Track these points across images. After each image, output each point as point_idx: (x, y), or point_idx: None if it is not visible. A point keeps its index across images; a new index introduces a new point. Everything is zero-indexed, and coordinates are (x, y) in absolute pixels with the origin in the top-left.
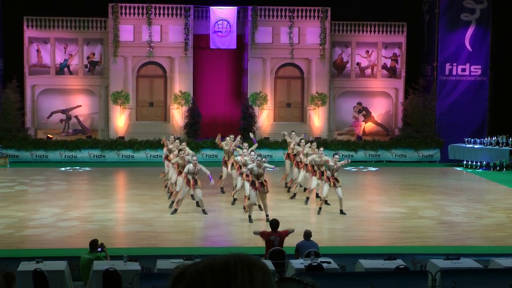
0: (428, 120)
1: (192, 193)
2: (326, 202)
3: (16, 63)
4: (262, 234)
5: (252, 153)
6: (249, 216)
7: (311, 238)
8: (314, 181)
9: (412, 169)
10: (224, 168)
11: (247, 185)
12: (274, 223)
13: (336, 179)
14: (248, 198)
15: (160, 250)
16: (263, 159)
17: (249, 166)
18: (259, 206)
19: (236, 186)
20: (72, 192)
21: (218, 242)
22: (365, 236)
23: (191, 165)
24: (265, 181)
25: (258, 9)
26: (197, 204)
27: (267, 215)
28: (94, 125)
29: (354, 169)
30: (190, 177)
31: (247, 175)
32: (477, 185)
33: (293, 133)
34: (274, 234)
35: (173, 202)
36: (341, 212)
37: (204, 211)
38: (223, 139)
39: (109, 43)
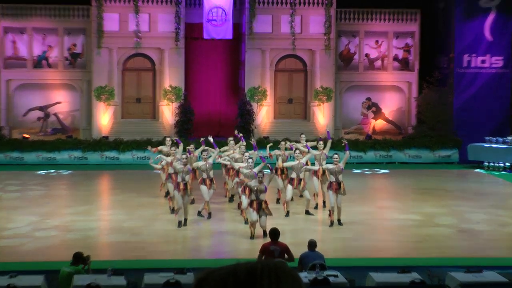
0: (444, 117)
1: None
2: (308, 213)
3: None
4: (262, 249)
5: (247, 155)
6: (252, 235)
7: (316, 249)
8: (315, 181)
9: (427, 171)
10: (227, 177)
11: (245, 201)
12: (274, 233)
13: (339, 184)
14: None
15: (148, 262)
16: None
17: (251, 183)
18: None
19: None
20: (51, 198)
21: (212, 253)
22: (376, 246)
23: (202, 161)
24: (265, 202)
25: None
26: (199, 213)
27: (264, 231)
28: (75, 124)
29: (364, 171)
30: (179, 179)
31: (244, 187)
32: (500, 188)
33: (302, 135)
34: (274, 244)
35: (173, 209)
36: (339, 222)
37: (183, 221)
38: (223, 138)
39: (92, 33)
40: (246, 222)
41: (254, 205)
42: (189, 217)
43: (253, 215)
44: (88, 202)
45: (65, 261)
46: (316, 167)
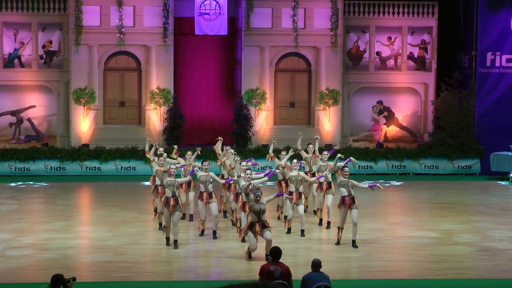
0: (465, 123)
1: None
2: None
3: None
4: (261, 271)
5: (244, 165)
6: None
7: (321, 269)
8: (329, 198)
9: (445, 184)
10: (223, 191)
11: (244, 219)
12: (276, 252)
13: (353, 199)
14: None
15: (134, 284)
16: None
17: (252, 200)
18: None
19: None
20: (24, 213)
21: (205, 274)
22: (387, 266)
23: (202, 172)
24: (266, 222)
25: None
26: (202, 233)
27: (267, 255)
28: (52, 130)
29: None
30: (169, 193)
31: (243, 203)
32: None
33: (310, 146)
34: (274, 265)
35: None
36: (353, 243)
37: (173, 243)
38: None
39: (70, 29)
40: (243, 240)
41: (256, 228)
42: (179, 235)
43: (253, 241)
44: (67, 217)
45: (41, 283)
46: (312, 179)
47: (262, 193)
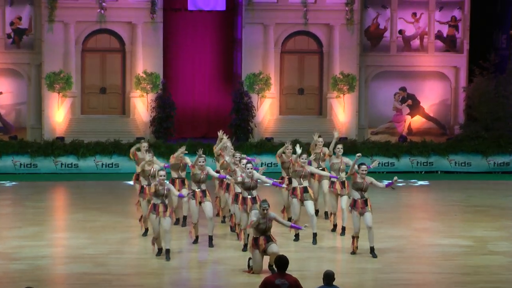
0: (502, 113)
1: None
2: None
3: None
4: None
5: (237, 155)
6: (245, 245)
7: (334, 283)
8: (344, 200)
9: (479, 183)
10: (221, 192)
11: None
12: (282, 262)
13: (366, 202)
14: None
15: None
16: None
17: (257, 215)
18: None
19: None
20: None
21: None
22: (411, 279)
23: (197, 169)
24: (271, 235)
25: None
26: (196, 240)
27: (270, 265)
28: (21, 121)
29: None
30: (157, 201)
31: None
32: None
33: (339, 146)
34: (280, 277)
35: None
36: (372, 251)
37: (165, 253)
38: (213, 140)
39: (43, 3)
40: (245, 248)
41: (260, 241)
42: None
43: (259, 261)
44: (39, 222)
45: None
46: (324, 173)
47: (269, 206)
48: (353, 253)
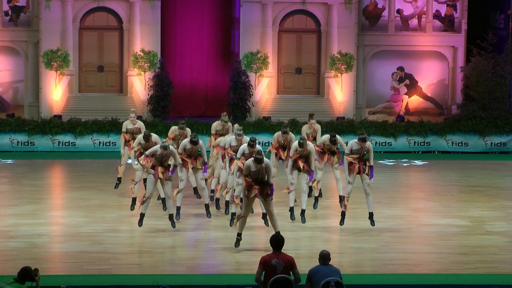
0: (499, 93)
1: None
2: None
3: None
4: (261, 262)
5: (237, 127)
6: (238, 235)
7: (330, 262)
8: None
9: (476, 163)
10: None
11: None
12: (278, 241)
13: (364, 163)
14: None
15: (113, 278)
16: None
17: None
18: (263, 217)
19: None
20: None
21: (197, 267)
22: (408, 259)
23: (187, 141)
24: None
25: None
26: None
27: (264, 213)
28: (18, 99)
29: (392, 163)
30: (156, 163)
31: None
32: None
33: (312, 121)
34: (276, 257)
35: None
36: (370, 217)
37: (172, 221)
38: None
39: None
40: (237, 243)
41: (254, 190)
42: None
43: (248, 201)
44: (36, 200)
45: (6, 276)
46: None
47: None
48: (342, 221)
